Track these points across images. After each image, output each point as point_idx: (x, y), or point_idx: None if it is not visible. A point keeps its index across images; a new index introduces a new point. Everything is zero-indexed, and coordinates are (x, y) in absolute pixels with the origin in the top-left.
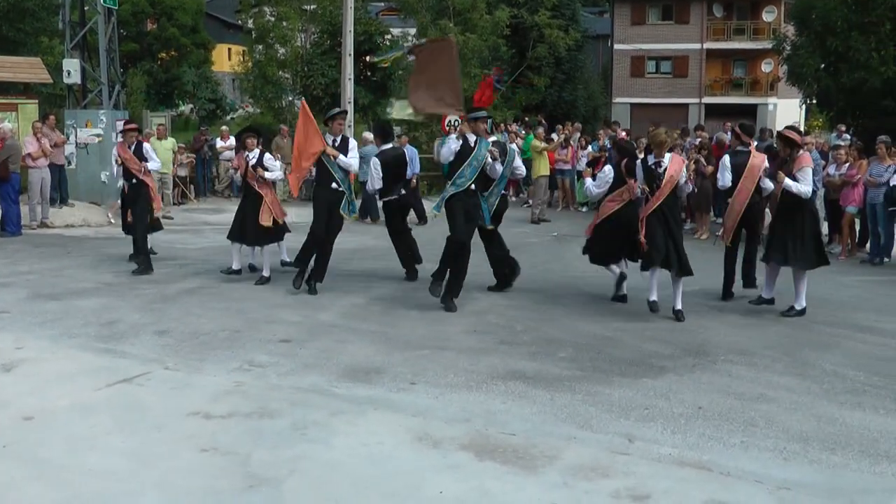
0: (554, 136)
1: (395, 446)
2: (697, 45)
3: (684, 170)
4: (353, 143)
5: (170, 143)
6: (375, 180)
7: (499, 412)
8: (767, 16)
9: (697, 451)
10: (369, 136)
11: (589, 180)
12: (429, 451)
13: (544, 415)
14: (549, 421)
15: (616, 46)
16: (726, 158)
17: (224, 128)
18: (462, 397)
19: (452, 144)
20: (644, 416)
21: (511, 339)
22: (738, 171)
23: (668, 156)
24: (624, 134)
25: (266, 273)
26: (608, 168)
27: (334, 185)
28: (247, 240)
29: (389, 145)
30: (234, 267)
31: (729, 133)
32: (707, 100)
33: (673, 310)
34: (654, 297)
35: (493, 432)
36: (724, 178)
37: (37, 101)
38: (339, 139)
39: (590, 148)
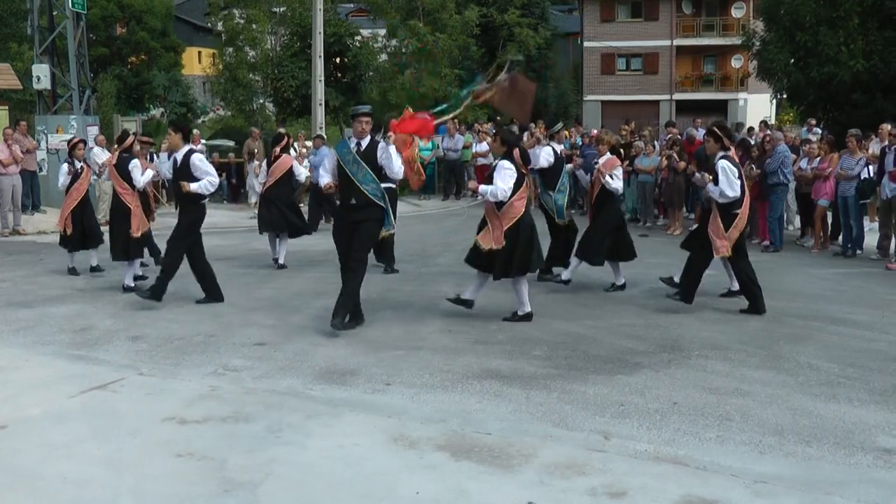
0: (525, 135)
1: (370, 447)
2: (667, 42)
3: (618, 170)
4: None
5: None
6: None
7: (474, 411)
8: (736, 12)
9: (673, 447)
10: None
11: (489, 187)
12: (405, 451)
13: (520, 413)
14: (524, 420)
15: (586, 44)
16: (730, 165)
17: (195, 131)
18: (437, 397)
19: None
20: (619, 412)
21: (486, 338)
22: (741, 178)
23: (607, 155)
24: (595, 132)
25: (282, 261)
26: (506, 163)
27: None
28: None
29: (188, 147)
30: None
31: (700, 130)
32: (678, 96)
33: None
34: (621, 281)
35: (469, 432)
36: (736, 188)
37: (7, 107)
38: (364, 142)
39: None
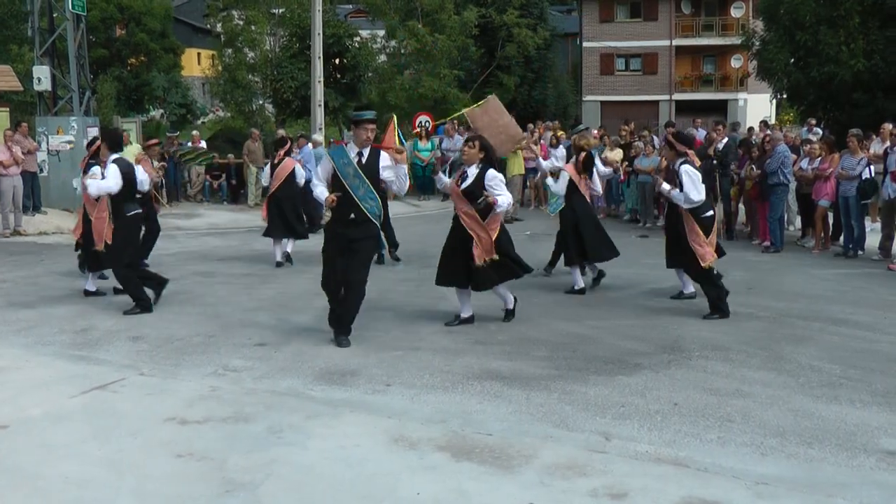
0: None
1: (371, 448)
2: (666, 42)
3: (563, 175)
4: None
5: (135, 148)
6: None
7: (475, 412)
8: (736, 11)
9: (674, 448)
10: (319, 138)
11: (505, 200)
12: (405, 452)
13: (520, 414)
14: (525, 420)
15: (585, 44)
16: (692, 169)
17: (195, 132)
18: (438, 398)
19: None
20: (620, 413)
21: (486, 338)
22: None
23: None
24: (596, 133)
25: (290, 249)
26: (496, 173)
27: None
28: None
29: (118, 154)
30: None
31: (700, 130)
32: (677, 96)
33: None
34: (580, 285)
35: (470, 432)
36: (701, 191)
37: (7, 108)
38: (366, 153)
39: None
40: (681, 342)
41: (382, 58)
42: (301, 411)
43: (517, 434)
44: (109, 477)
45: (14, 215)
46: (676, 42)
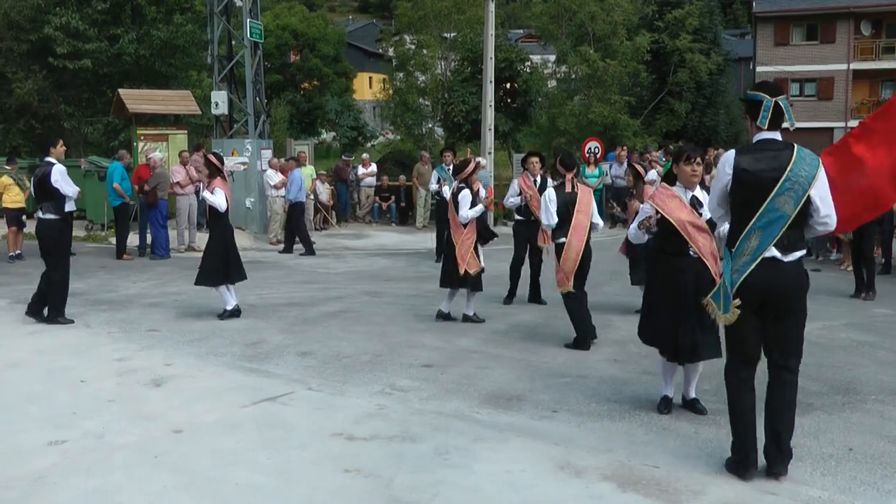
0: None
1: (537, 474)
2: (843, 66)
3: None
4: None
5: (309, 169)
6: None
7: (642, 443)
8: None
9: (849, 496)
10: (484, 161)
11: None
12: (571, 480)
13: (688, 448)
14: (693, 455)
15: (758, 69)
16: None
17: (365, 155)
18: (604, 427)
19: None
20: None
21: (654, 369)
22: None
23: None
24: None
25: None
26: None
27: None
28: None
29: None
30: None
31: None
32: (853, 124)
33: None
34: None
35: (637, 464)
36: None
37: (186, 131)
38: None
39: None
40: (855, 384)
41: (553, 83)
42: (467, 434)
43: (685, 468)
44: (279, 486)
45: (189, 232)
46: (854, 66)
